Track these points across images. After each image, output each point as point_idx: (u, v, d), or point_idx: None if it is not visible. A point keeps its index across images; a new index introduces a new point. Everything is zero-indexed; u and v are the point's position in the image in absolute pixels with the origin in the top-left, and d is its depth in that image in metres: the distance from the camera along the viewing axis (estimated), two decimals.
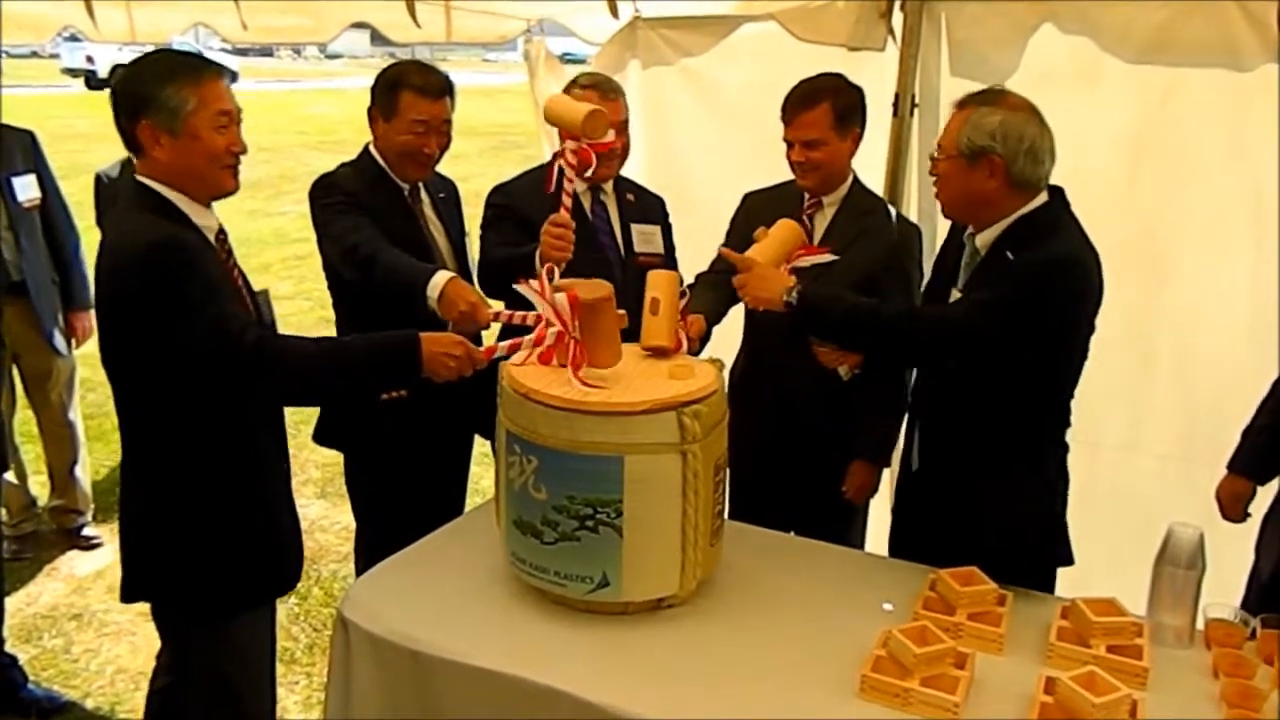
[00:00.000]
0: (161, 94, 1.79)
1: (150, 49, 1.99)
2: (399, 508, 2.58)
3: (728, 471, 1.93)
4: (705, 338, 2.38)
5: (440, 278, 2.16)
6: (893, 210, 2.64)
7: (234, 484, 1.93)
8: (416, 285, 2.17)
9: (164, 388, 1.83)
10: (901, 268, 2.48)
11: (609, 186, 2.69)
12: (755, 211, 2.57)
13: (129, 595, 1.98)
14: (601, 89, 2.57)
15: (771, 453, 2.54)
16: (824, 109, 2.39)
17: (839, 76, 2.46)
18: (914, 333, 1.99)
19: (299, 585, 3.52)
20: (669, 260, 2.71)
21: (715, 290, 2.42)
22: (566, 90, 2.64)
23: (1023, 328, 1.87)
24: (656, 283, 2.06)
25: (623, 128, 2.61)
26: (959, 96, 2.01)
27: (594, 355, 1.85)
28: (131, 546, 1.96)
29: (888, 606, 1.86)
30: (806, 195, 2.52)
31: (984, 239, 2.00)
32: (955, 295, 2.06)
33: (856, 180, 2.56)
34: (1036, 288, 1.87)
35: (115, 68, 1.93)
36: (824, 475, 2.56)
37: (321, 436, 2.72)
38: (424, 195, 2.60)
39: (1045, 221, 1.95)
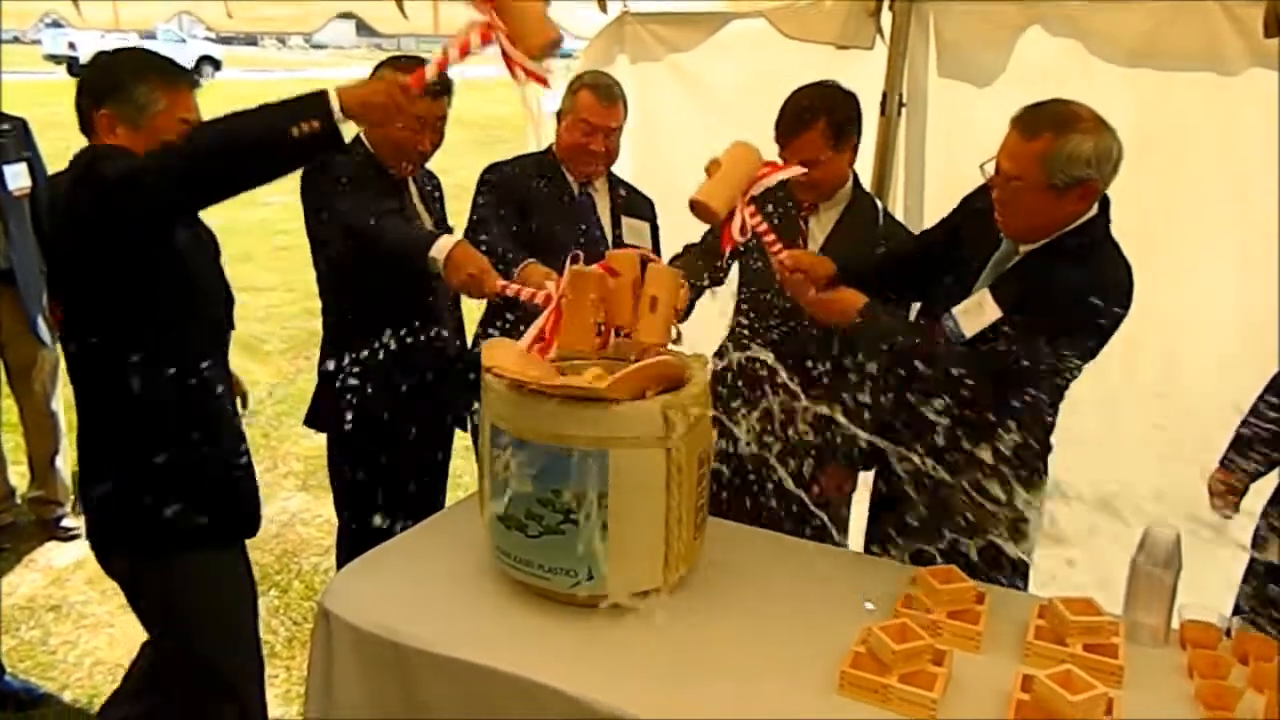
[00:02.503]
0: (133, 87, 1.82)
1: (133, 36, 2.00)
2: (380, 500, 2.58)
3: (710, 466, 1.93)
4: (689, 308, 2.37)
5: (446, 241, 2.12)
6: (880, 205, 2.63)
7: (182, 425, 1.94)
8: (419, 247, 2.13)
9: (111, 313, 1.84)
10: None
11: (600, 184, 2.70)
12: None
13: (103, 552, 2.02)
14: (601, 93, 2.57)
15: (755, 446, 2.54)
16: (818, 129, 2.31)
17: (830, 87, 2.37)
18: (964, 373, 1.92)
19: (278, 578, 3.57)
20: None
21: (703, 260, 2.40)
22: (570, 88, 2.65)
23: (1065, 356, 1.88)
24: (658, 281, 1.96)
25: (616, 132, 2.62)
26: (1014, 113, 1.88)
27: (567, 330, 1.86)
28: (89, 499, 1.99)
29: (869, 606, 1.87)
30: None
31: (1028, 244, 1.95)
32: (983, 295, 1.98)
33: (857, 184, 2.50)
34: (1081, 320, 1.84)
35: (99, 54, 1.94)
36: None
37: (313, 420, 2.74)
38: (412, 186, 2.61)
39: (1094, 237, 1.91)
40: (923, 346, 1.98)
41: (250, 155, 1.67)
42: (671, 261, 2.35)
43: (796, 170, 2.09)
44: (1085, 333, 1.88)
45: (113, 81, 1.83)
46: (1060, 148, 1.80)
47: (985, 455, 2.02)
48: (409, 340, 2.61)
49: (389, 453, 2.61)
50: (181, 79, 1.90)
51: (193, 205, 1.78)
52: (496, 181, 2.62)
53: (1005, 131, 1.92)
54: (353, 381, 2.60)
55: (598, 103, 2.56)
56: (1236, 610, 2.24)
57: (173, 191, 1.70)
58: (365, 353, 2.56)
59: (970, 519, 2.00)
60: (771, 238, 2.09)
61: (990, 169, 1.92)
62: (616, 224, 2.71)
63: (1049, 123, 1.82)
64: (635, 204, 2.79)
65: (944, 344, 1.97)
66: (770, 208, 2.33)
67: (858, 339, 2.03)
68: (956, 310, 1.99)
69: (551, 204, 2.56)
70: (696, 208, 1.95)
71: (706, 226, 2.58)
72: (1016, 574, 2.09)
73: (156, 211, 1.74)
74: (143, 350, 1.86)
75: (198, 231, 2.00)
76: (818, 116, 2.31)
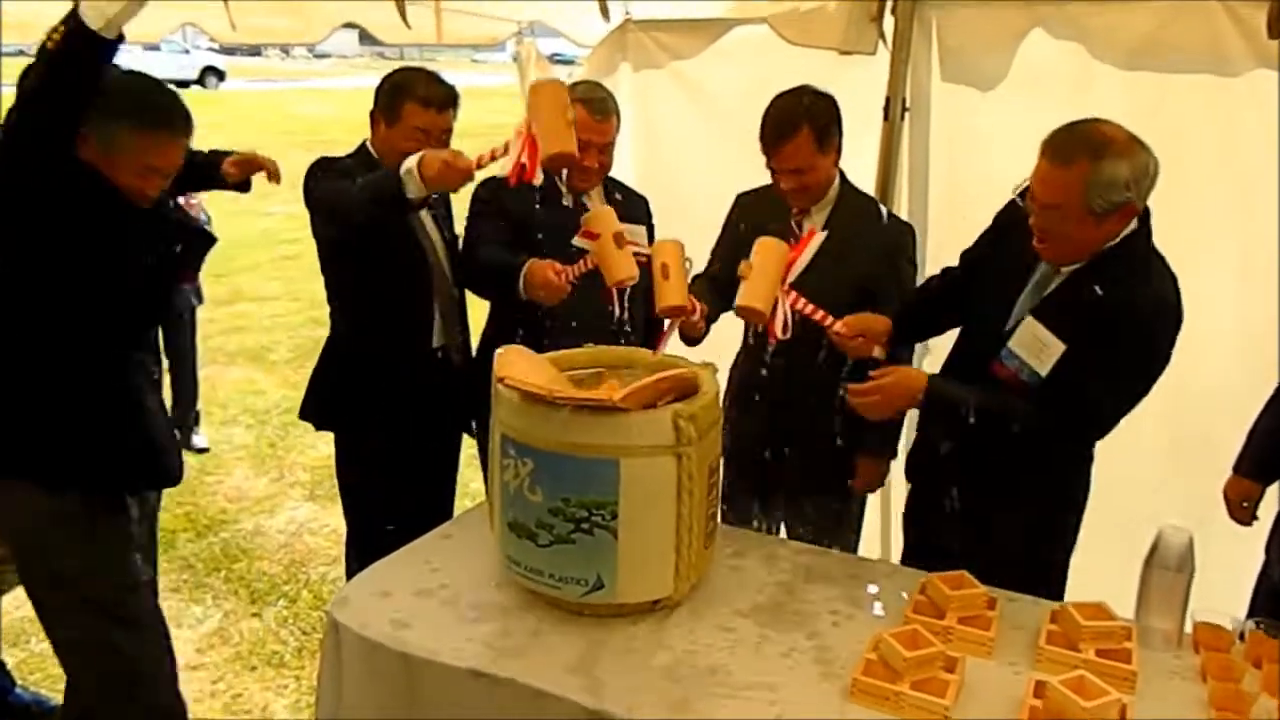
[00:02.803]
0: (110, 123, 1.87)
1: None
2: (389, 509, 2.58)
3: (721, 474, 1.93)
4: (706, 331, 2.39)
5: (413, 155, 2.13)
6: (883, 209, 2.63)
7: (70, 370, 2.01)
8: (391, 179, 2.14)
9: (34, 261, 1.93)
10: (897, 271, 2.47)
11: (595, 191, 2.71)
12: (747, 212, 2.57)
13: None
14: (594, 108, 2.57)
15: (768, 452, 2.54)
16: (803, 136, 2.31)
17: (808, 93, 2.37)
18: (1050, 431, 1.93)
19: (286, 588, 3.58)
20: None
21: (713, 290, 2.41)
22: None
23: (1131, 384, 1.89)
24: (663, 250, 2.04)
25: (609, 146, 2.62)
26: (1045, 138, 1.83)
27: (545, 140, 1.92)
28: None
29: (879, 612, 1.87)
30: None
31: (1068, 265, 1.93)
32: (1024, 318, 1.96)
33: (844, 181, 2.51)
34: (1144, 346, 1.85)
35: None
36: (820, 477, 2.56)
37: (306, 413, 2.75)
38: None
39: (1138, 253, 1.89)
40: (998, 410, 1.95)
41: (36, 83, 1.80)
42: None
43: (820, 238, 2.18)
44: (1147, 361, 1.88)
45: (96, 111, 1.85)
46: (1097, 174, 1.76)
47: (1037, 475, 2.03)
48: (415, 346, 2.62)
49: (397, 461, 2.61)
50: (162, 128, 1.93)
51: (41, 143, 1.84)
52: (489, 197, 2.62)
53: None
54: (356, 384, 2.60)
55: (590, 117, 2.56)
56: (1250, 613, 2.24)
57: (24, 143, 1.83)
58: (370, 358, 2.58)
59: (1011, 530, 2.01)
60: (820, 314, 2.11)
61: (1024, 188, 1.90)
62: None
63: (1082, 148, 1.78)
64: (631, 206, 2.79)
65: (1020, 399, 1.93)
66: (764, 216, 2.36)
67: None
68: (1015, 346, 1.94)
69: (546, 213, 2.56)
70: (743, 313, 2.06)
71: (709, 238, 2.61)
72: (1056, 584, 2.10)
73: (24, 166, 1.84)
74: (34, 298, 1.95)
75: (116, 202, 2.00)
76: (800, 124, 2.31)
